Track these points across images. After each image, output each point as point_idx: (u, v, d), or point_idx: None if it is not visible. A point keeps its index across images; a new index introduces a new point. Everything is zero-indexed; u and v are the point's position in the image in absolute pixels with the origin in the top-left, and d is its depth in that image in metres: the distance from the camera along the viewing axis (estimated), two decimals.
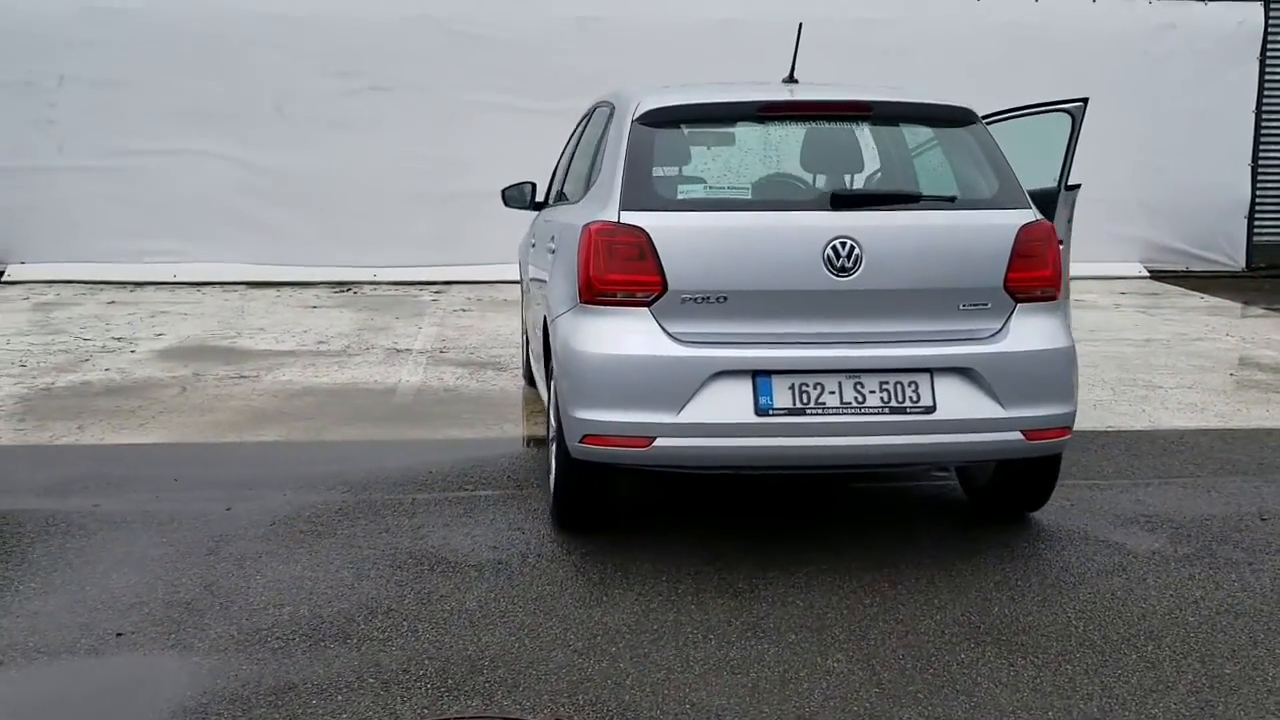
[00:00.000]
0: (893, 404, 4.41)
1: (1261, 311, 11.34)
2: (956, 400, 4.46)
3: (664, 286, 4.42)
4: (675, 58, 11.69)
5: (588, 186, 5.11)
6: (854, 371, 4.43)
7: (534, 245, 6.14)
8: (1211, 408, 7.29)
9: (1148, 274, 13.45)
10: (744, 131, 4.98)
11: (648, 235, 4.43)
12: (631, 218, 4.49)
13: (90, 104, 12.14)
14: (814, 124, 5.06)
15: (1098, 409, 7.21)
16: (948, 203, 4.79)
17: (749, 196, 4.92)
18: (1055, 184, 6.70)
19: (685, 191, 4.86)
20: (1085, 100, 6.67)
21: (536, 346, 5.70)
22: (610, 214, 4.54)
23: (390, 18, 12.35)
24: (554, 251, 5.20)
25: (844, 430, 4.39)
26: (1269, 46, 13.63)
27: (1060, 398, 4.61)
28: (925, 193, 4.88)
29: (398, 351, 8.83)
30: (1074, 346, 4.73)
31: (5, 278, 12.10)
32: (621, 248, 4.48)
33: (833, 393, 4.40)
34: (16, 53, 12.00)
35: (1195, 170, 13.44)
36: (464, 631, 4.04)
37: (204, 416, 6.87)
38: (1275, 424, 6.93)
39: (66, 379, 7.77)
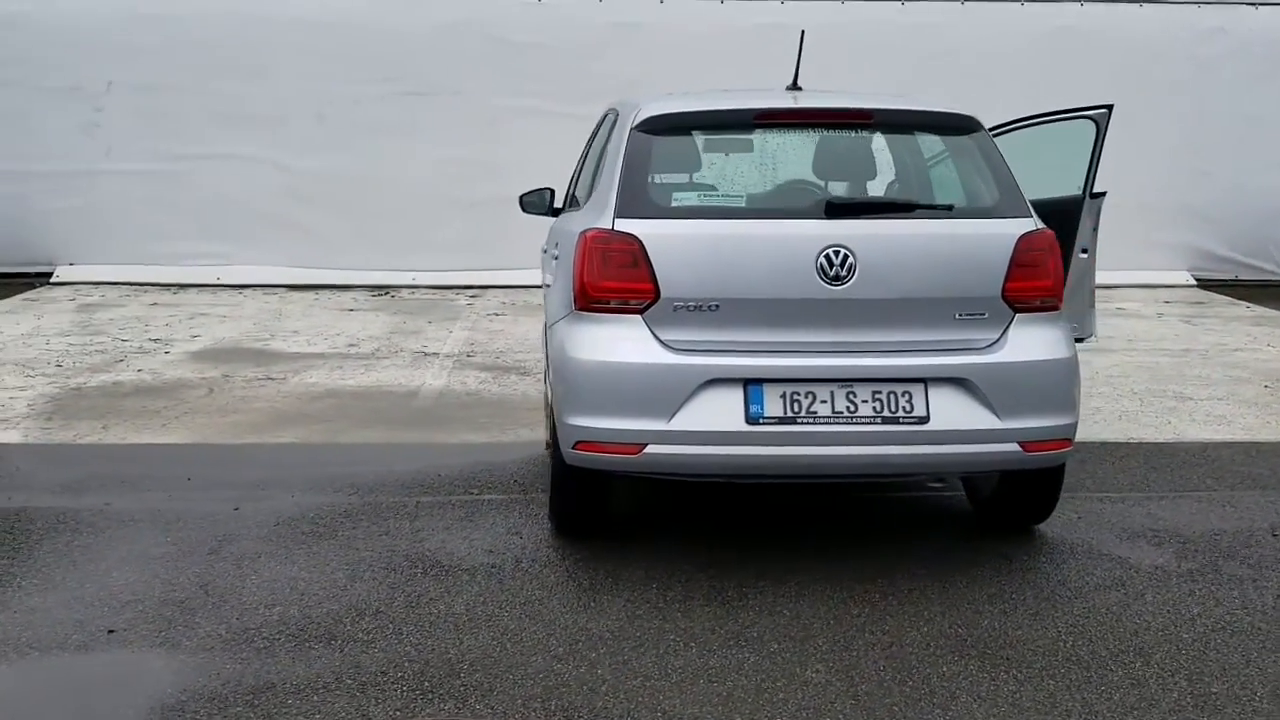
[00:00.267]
0: (885, 414, 4.38)
1: None
2: (951, 411, 4.41)
3: (656, 294, 4.43)
4: (715, 62, 11.68)
5: (591, 193, 5.13)
6: (846, 381, 4.40)
7: (544, 251, 6.18)
8: (1240, 420, 7.15)
9: (1195, 283, 13.19)
10: (742, 139, 4.97)
11: (640, 243, 4.44)
12: (625, 225, 4.50)
13: (137, 109, 12.36)
14: (825, 132, 5.04)
15: (1122, 420, 7.10)
16: (945, 211, 4.75)
17: (743, 204, 4.91)
18: (1080, 192, 6.64)
19: (680, 199, 4.86)
20: (1110, 107, 6.59)
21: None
22: (605, 221, 4.55)
23: (428, 24, 12.45)
24: (557, 258, 5.23)
25: (835, 440, 4.36)
26: None
27: (1059, 409, 4.55)
28: (923, 201, 4.84)
29: (425, 355, 8.91)
30: (1076, 357, 4.66)
31: (54, 279, 12.35)
32: (615, 255, 4.49)
33: (824, 402, 4.38)
34: (66, 59, 12.25)
35: (1245, 177, 13.16)
36: (447, 635, 4.07)
37: (226, 418, 6.97)
38: None
39: (99, 379, 7.93)
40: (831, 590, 4.48)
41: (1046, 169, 7.16)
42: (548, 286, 5.68)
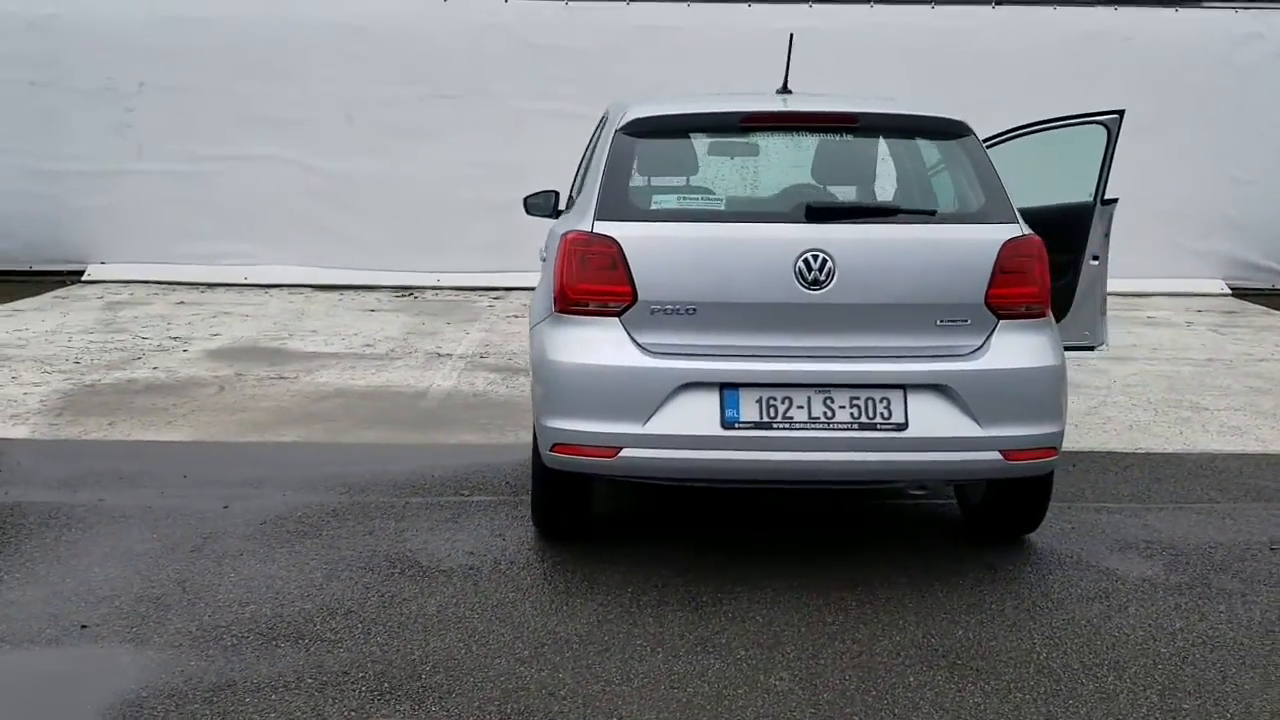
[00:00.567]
0: (862, 420, 4.33)
1: None
2: (930, 418, 4.35)
3: (634, 297, 4.40)
4: (742, 66, 11.58)
5: (579, 195, 5.13)
6: (823, 386, 4.36)
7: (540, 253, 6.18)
8: (1254, 431, 7.01)
9: (1230, 291, 12.98)
10: (729, 142, 4.94)
11: (619, 245, 4.43)
12: (604, 228, 4.48)
13: (167, 109, 12.51)
14: (812, 135, 5.00)
15: (1133, 430, 6.98)
16: (927, 216, 4.69)
17: (723, 207, 4.87)
18: (1090, 198, 6.55)
19: (660, 202, 4.84)
20: (1121, 112, 6.50)
21: None
22: (585, 224, 4.54)
23: (457, 26, 12.50)
24: (545, 260, 5.22)
25: (810, 445, 4.32)
26: None
27: (1043, 418, 4.47)
28: (905, 205, 4.78)
29: (439, 356, 8.94)
30: (1063, 365, 4.58)
31: (86, 277, 12.53)
32: (594, 258, 4.47)
33: (801, 407, 4.34)
34: (98, 60, 12.42)
35: None
36: (415, 635, 4.07)
37: (232, 416, 7.03)
38: None
39: (113, 376, 8.02)
40: (808, 597, 4.44)
41: (1059, 175, 7.07)
42: (536, 289, 5.67)
